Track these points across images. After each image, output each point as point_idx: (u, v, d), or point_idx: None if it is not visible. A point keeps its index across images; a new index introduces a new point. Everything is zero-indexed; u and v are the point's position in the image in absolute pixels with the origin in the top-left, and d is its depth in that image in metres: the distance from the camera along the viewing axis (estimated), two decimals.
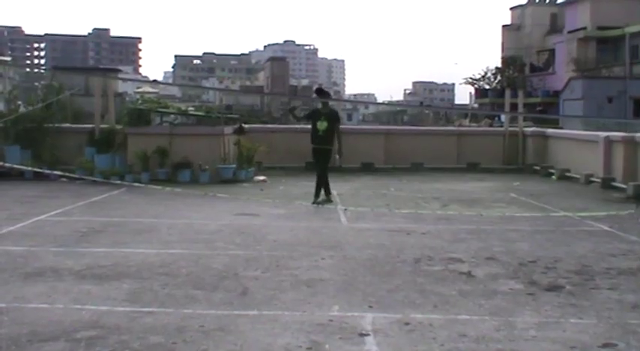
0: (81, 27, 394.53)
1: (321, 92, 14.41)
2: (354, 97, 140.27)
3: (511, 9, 59.47)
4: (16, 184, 14.38)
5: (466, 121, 36.91)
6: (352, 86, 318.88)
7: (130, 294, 5.90)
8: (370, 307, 5.61)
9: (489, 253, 7.78)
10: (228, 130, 16.26)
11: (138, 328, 4.94)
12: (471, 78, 58.71)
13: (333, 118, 12.31)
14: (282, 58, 72.61)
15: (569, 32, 47.91)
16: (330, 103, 14.53)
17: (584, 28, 46.46)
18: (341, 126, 12.86)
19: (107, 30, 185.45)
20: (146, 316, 5.23)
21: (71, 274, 6.60)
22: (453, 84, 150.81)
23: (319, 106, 12.73)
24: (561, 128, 24.08)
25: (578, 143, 17.32)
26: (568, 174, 16.75)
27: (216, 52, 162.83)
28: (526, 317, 5.38)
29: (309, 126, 12.44)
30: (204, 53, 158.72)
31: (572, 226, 9.98)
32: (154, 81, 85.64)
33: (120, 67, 59.52)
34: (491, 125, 29.77)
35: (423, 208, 11.48)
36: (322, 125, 12.04)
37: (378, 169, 18.03)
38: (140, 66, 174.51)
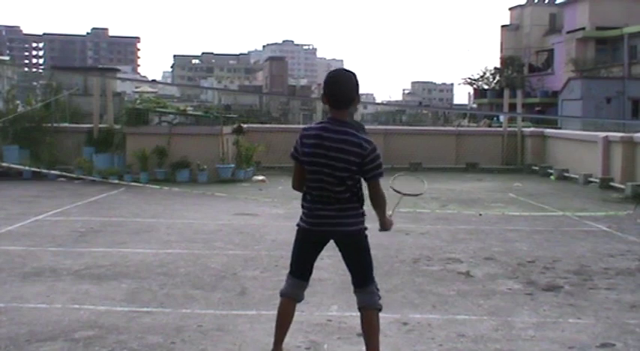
0: (79, 26, 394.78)
1: None
2: None
3: (510, 9, 59.43)
4: (15, 183, 14.38)
5: (465, 121, 36.90)
6: None
7: (129, 294, 5.90)
8: None
9: (488, 253, 7.79)
10: (227, 129, 16.26)
11: (136, 328, 4.94)
12: (469, 78, 58.76)
13: None
14: (280, 58, 72.60)
15: (568, 32, 47.91)
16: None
17: (583, 29, 46.46)
18: None
19: (106, 29, 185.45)
20: (144, 316, 5.22)
21: (69, 274, 6.60)
22: (452, 84, 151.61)
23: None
24: (560, 128, 24.12)
25: (577, 143, 17.34)
26: (567, 174, 16.77)
27: (215, 51, 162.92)
28: (524, 317, 5.38)
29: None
30: (203, 53, 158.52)
31: (571, 226, 9.99)
32: (153, 81, 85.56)
33: (118, 67, 59.51)
34: (489, 125, 29.78)
35: (422, 207, 11.46)
36: None
37: None
38: (139, 66, 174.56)
